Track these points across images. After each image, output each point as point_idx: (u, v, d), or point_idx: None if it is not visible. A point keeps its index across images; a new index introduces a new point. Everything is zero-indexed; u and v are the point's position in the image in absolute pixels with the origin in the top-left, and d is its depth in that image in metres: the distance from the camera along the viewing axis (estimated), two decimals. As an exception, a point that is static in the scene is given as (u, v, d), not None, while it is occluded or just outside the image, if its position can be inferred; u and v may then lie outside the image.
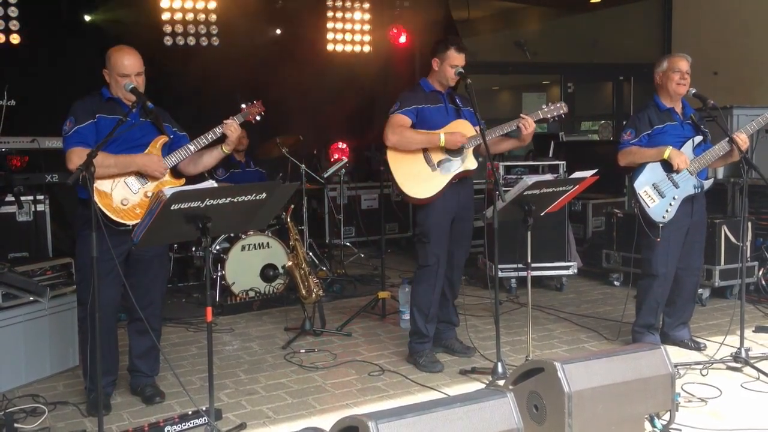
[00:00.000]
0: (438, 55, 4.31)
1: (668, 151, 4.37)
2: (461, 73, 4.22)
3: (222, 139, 3.85)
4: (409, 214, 8.48)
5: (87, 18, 7.34)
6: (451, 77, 4.32)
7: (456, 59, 4.27)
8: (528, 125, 4.22)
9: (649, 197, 4.42)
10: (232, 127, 3.80)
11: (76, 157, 3.53)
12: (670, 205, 4.42)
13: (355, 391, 4.04)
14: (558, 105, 4.35)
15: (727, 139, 4.38)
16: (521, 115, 4.25)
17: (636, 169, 4.47)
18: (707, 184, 4.54)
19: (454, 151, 4.30)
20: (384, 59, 9.08)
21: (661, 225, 4.42)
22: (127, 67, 3.68)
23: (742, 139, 4.36)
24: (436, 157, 4.29)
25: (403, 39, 8.84)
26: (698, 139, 4.50)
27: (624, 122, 5.23)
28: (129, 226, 3.58)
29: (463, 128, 4.32)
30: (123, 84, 3.65)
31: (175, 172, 3.87)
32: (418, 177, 4.27)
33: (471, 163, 4.38)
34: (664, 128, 4.47)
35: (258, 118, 4.05)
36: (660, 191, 4.42)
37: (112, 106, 3.71)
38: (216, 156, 3.91)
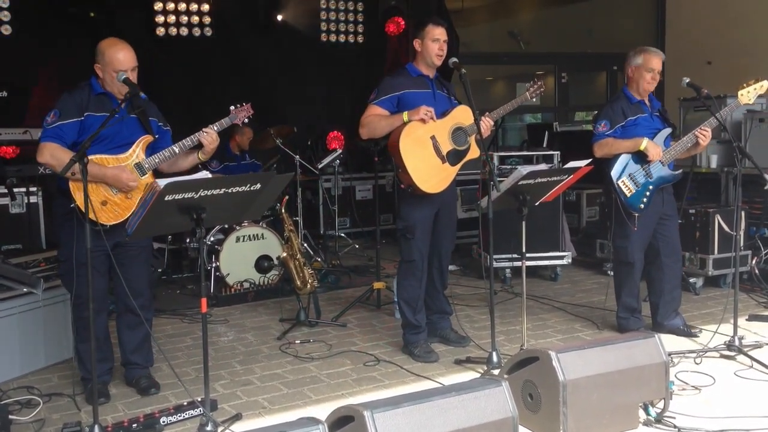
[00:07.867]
0: (418, 35, 4.28)
1: (645, 143, 4.44)
2: (455, 62, 4.17)
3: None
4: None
5: (78, 7, 7.28)
6: (435, 53, 4.24)
7: (436, 32, 4.24)
8: (487, 126, 4.22)
9: (627, 187, 4.49)
10: (210, 137, 3.72)
11: (48, 152, 3.47)
12: (646, 194, 4.49)
13: (350, 381, 4.04)
14: (538, 84, 4.41)
15: (696, 131, 4.46)
16: (486, 113, 4.24)
17: (611, 160, 4.52)
18: (678, 174, 4.60)
19: (461, 142, 4.27)
20: (377, 49, 9.06)
21: (637, 215, 4.48)
22: (122, 62, 3.58)
23: (705, 134, 4.44)
24: (445, 147, 4.23)
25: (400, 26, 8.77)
26: (668, 131, 4.59)
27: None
28: (107, 226, 3.49)
29: (464, 114, 4.28)
30: (115, 76, 3.59)
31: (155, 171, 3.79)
32: (431, 170, 4.18)
33: (475, 152, 4.37)
34: (637, 120, 4.55)
35: (246, 120, 3.99)
36: (636, 181, 4.49)
37: (102, 102, 3.60)
38: (191, 162, 3.84)
